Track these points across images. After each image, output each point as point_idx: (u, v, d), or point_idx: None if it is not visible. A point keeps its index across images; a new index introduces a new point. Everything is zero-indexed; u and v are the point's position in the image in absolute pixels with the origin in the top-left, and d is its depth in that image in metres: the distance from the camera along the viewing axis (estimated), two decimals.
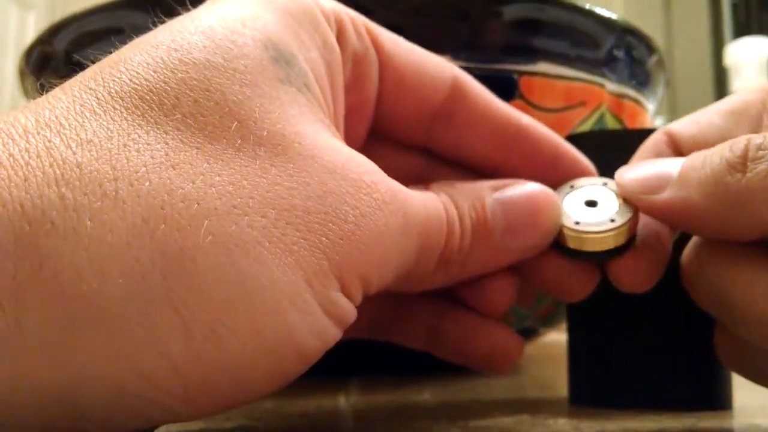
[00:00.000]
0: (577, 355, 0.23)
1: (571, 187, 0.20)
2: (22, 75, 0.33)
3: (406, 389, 0.27)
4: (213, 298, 0.13)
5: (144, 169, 0.13)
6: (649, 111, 0.35)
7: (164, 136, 0.14)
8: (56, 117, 0.13)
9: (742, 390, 0.22)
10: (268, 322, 0.13)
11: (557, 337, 0.37)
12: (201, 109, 0.14)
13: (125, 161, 0.13)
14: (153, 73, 0.14)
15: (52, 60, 0.31)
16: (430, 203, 0.18)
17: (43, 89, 0.15)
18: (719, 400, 0.21)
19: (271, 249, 0.13)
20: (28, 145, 0.12)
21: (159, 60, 0.15)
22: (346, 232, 0.14)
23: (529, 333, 0.33)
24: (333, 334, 0.15)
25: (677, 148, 0.20)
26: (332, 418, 0.21)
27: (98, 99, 0.14)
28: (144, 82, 0.14)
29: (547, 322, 0.33)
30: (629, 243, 0.19)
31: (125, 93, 0.14)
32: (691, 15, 1.43)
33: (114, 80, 0.14)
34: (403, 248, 0.16)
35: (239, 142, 0.14)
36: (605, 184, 0.20)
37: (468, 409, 0.22)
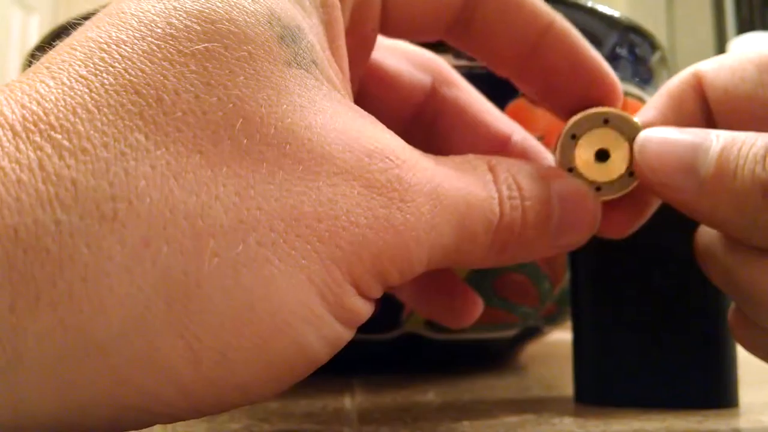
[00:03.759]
0: (583, 353, 0.23)
1: (592, 120, 0.19)
2: None
3: (410, 389, 0.26)
4: (221, 324, 0.12)
5: (144, 182, 0.12)
6: None
7: (164, 138, 0.12)
8: (45, 113, 0.12)
9: (748, 388, 0.22)
10: (279, 341, 0.13)
11: (561, 336, 0.37)
12: (203, 105, 0.13)
13: (123, 175, 0.12)
14: (150, 64, 0.13)
15: None
16: (474, 193, 0.16)
17: None
18: (725, 399, 0.21)
19: (281, 267, 0.13)
20: (18, 155, 0.11)
21: (155, 47, 0.13)
22: (357, 237, 0.14)
23: (533, 332, 0.33)
24: (346, 337, 0.14)
25: (704, 95, 0.19)
26: (337, 417, 0.21)
27: (90, 91, 0.12)
28: (140, 74, 0.13)
29: (552, 321, 0.33)
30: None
31: (120, 86, 0.12)
32: (694, 12, 1.42)
33: (108, 70, 0.13)
34: (431, 240, 0.15)
35: (245, 142, 0.13)
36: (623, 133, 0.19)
37: (472, 408, 0.22)
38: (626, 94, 0.31)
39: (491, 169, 0.17)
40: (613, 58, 0.30)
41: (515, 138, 0.21)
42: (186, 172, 0.12)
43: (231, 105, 0.13)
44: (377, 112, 0.17)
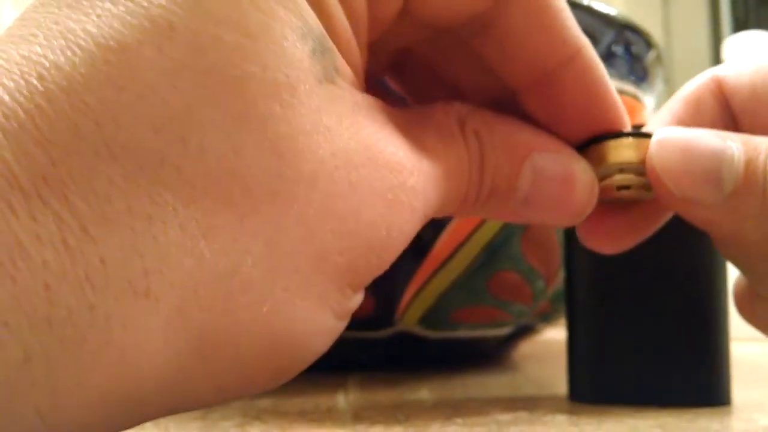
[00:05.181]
0: (577, 351, 0.23)
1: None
2: None
3: (403, 387, 0.26)
4: (249, 364, 0.12)
5: (174, 249, 0.11)
6: (647, 107, 0.35)
7: (191, 192, 0.11)
8: (53, 163, 0.10)
9: (741, 387, 0.22)
10: (295, 356, 0.13)
11: (555, 335, 0.37)
12: (235, 145, 0.11)
13: (152, 243, 0.11)
14: (172, 90, 0.11)
15: None
16: (456, 168, 0.15)
17: None
18: (718, 397, 0.21)
19: (302, 304, 0.13)
20: (36, 227, 0.10)
21: (179, 65, 0.11)
22: (371, 260, 0.14)
23: (526, 330, 0.33)
24: (342, 328, 0.14)
25: (724, 99, 0.18)
26: (330, 415, 0.21)
27: (100, 128, 0.10)
28: (159, 104, 0.11)
29: (545, 319, 0.33)
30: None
31: (136, 121, 0.11)
32: (690, 10, 1.42)
33: (119, 97, 0.11)
34: (416, 231, 0.15)
35: (277, 183, 0.12)
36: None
37: (465, 406, 0.22)
38: (621, 92, 0.31)
39: (462, 130, 0.16)
40: (608, 56, 0.30)
41: (584, 53, 0.17)
42: (215, 230, 0.11)
43: (267, 143, 0.12)
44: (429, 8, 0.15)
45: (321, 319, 0.13)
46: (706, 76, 0.19)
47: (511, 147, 0.16)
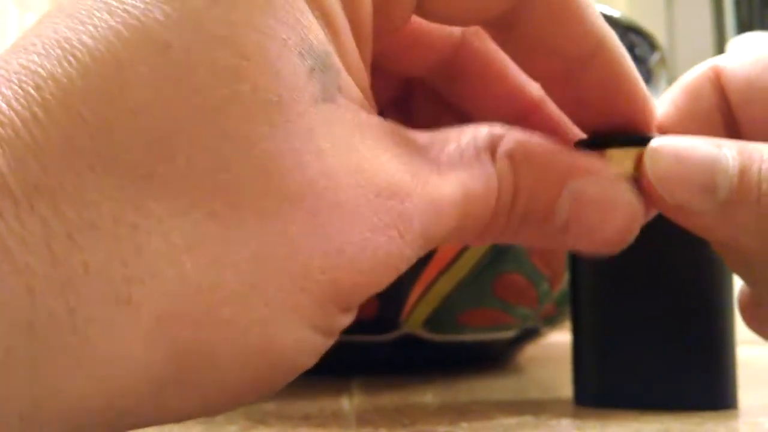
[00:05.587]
0: (582, 355, 0.23)
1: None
2: None
3: (408, 390, 0.26)
4: (229, 377, 0.12)
5: (157, 259, 0.11)
6: None
7: (177, 203, 0.11)
8: (44, 171, 0.10)
9: (748, 390, 0.22)
10: (278, 371, 0.13)
11: (560, 338, 0.36)
12: (222, 162, 0.11)
13: (136, 252, 0.11)
14: (162, 106, 0.11)
15: None
16: (474, 190, 0.15)
17: None
18: (724, 400, 0.21)
19: (284, 320, 0.13)
20: (23, 233, 0.10)
21: (171, 82, 0.11)
22: (358, 279, 0.13)
23: (531, 333, 0.33)
24: (329, 345, 0.14)
25: (722, 89, 0.18)
26: (335, 419, 0.21)
27: (93, 141, 0.11)
28: (150, 120, 0.11)
29: (550, 322, 0.33)
30: None
31: (128, 136, 0.11)
32: (694, 12, 1.42)
33: (111, 112, 0.11)
34: (421, 251, 0.15)
35: (263, 200, 0.12)
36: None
37: (470, 410, 0.22)
38: None
39: (491, 152, 0.16)
40: None
41: (549, 106, 0.18)
42: (200, 243, 0.11)
43: (254, 161, 0.12)
44: (394, 62, 0.16)
45: (302, 336, 0.13)
46: (707, 65, 0.19)
47: (548, 170, 0.16)
